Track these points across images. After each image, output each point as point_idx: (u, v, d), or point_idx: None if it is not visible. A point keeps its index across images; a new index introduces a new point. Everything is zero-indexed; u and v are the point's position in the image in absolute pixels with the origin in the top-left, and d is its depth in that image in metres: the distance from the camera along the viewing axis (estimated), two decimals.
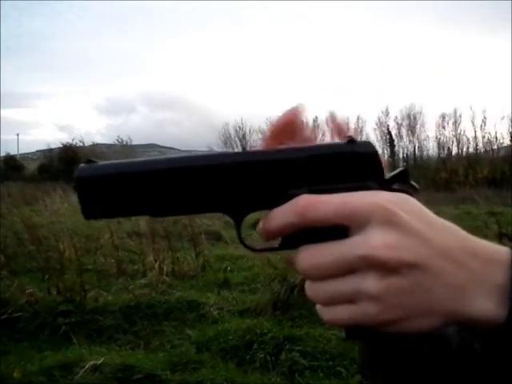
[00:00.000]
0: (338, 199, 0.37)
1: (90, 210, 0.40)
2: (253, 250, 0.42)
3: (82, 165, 0.40)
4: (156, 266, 5.05)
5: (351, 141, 0.40)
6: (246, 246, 0.42)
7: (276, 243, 0.40)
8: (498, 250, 0.37)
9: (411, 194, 0.39)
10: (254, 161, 0.39)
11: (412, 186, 0.41)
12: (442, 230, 0.37)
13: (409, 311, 0.36)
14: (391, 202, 0.36)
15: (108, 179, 0.39)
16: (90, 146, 33.58)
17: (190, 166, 0.39)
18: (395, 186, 0.39)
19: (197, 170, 0.39)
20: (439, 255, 0.36)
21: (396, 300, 0.36)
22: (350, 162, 0.39)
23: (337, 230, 0.36)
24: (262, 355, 3.16)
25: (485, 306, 0.35)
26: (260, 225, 0.40)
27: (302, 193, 0.38)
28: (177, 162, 0.39)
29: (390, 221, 0.35)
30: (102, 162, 0.41)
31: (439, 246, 0.36)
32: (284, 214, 0.38)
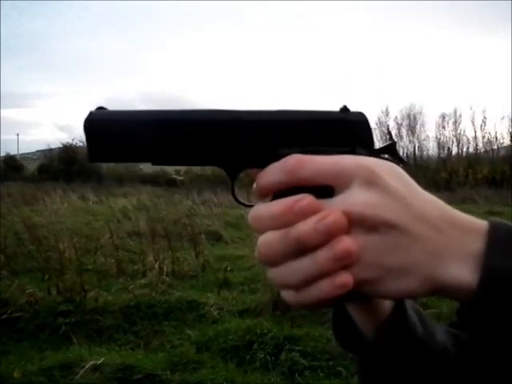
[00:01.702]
0: (326, 160, 0.38)
1: (96, 154, 0.43)
2: (244, 204, 0.44)
3: (92, 110, 0.43)
4: (156, 266, 5.05)
5: (344, 109, 0.42)
6: (238, 201, 0.45)
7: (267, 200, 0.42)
8: (476, 221, 0.38)
9: (398, 165, 0.40)
10: (251, 119, 0.42)
11: (400, 158, 0.42)
12: (423, 198, 0.38)
13: (386, 271, 0.36)
14: (376, 166, 0.37)
15: (115, 125, 0.42)
16: None
17: (191, 119, 0.42)
18: (384, 156, 0.41)
19: (197, 123, 0.42)
20: (419, 220, 0.36)
21: (374, 258, 0.36)
22: (341, 129, 0.41)
23: (324, 190, 0.38)
24: (262, 355, 3.16)
25: (460, 272, 0.36)
26: (255, 183, 0.41)
27: (294, 152, 0.39)
28: (179, 115, 0.42)
29: (372, 181, 0.36)
30: (111, 109, 0.44)
31: (419, 211, 0.37)
32: (274, 172, 0.39)
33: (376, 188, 0.36)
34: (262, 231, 0.38)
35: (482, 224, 0.38)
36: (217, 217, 8.50)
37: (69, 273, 4.52)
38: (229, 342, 3.32)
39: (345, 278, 0.36)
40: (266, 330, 3.40)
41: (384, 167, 0.38)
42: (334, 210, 0.36)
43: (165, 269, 5.06)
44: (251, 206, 0.41)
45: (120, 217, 8.72)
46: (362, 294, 0.38)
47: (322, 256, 0.36)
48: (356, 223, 0.36)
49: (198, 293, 4.50)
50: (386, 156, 0.41)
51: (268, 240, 0.37)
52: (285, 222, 0.37)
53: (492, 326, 0.37)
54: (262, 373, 3.01)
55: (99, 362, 2.92)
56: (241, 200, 0.45)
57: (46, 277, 4.60)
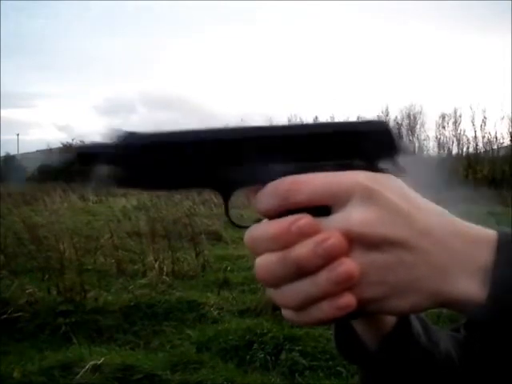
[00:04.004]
0: (320, 179, 0.36)
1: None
2: (239, 226, 0.43)
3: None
4: (156, 265, 5.05)
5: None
6: (232, 222, 0.43)
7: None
8: (484, 231, 0.37)
9: (399, 176, 0.39)
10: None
11: (401, 168, 0.41)
12: (425, 210, 0.36)
13: (391, 289, 0.35)
14: (373, 180, 0.36)
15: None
16: None
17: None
18: (383, 168, 0.40)
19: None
20: (422, 234, 0.35)
21: (378, 277, 0.35)
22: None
23: (321, 210, 0.36)
24: (262, 355, 3.16)
25: (467, 286, 0.35)
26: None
27: (289, 169, 0.38)
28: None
29: (370, 197, 0.35)
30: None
31: (422, 224, 0.35)
32: (267, 197, 0.37)
33: (375, 204, 0.35)
34: (258, 253, 0.37)
35: (489, 234, 0.36)
36: (217, 217, 8.49)
37: (69, 273, 4.51)
38: (229, 342, 3.32)
39: (347, 300, 0.35)
40: (265, 330, 3.40)
41: (382, 181, 0.36)
42: (333, 231, 0.35)
43: (165, 269, 5.06)
44: (246, 227, 0.40)
45: (120, 217, 8.72)
46: (365, 312, 0.37)
47: (323, 279, 0.34)
48: (356, 242, 0.35)
49: (198, 293, 4.50)
50: (387, 167, 0.39)
51: (266, 262, 0.36)
52: (282, 243, 0.35)
53: (501, 339, 0.36)
54: (262, 373, 3.01)
55: (99, 362, 2.92)
56: (235, 221, 0.43)
57: (46, 277, 4.61)
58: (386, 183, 0.36)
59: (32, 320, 3.75)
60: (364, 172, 0.37)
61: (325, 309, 0.35)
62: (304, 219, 0.35)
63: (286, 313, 0.38)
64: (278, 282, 0.36)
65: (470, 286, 0.35)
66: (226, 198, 0.42)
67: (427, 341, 0.47)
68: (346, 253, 0.35)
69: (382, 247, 0.35)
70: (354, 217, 0.35)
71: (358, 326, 0.48)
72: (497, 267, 0.35)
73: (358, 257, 0.35)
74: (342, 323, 0.50)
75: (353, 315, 0.36)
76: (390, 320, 0.47)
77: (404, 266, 0.35)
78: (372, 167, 0.39)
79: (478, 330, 0.37)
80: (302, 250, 0.35)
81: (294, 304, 0.36)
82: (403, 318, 0.47)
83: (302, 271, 0.35)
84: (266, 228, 0.36)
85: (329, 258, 0.34)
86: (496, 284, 0.34)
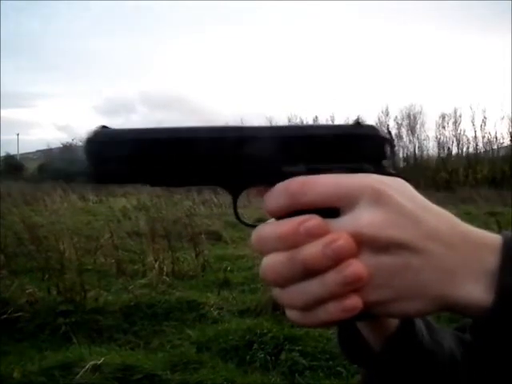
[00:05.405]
0: (330, 181, 0.36)
1: (95, 176, 0.41)
2: (247, 224, 0.43)
3: (93, 129, 0.41)
4: (156, 265, 5.05)
5: (355, 123, 0.40)
6: (240, 220, 0.43)
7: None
8: (489, 235, 0.37)
9: (407, 180, 0.39)
10: (252, 135, 0.40)
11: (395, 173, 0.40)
12: (433, 213, 0.36)
13: (396, 293, 0.35)
14: (382, 183, 0.36)
15: (113, 145, 0.40)
16: None
17: (188, 137, 0.40)
18: (392, 171, 0.40)
19: (194, 141, 0.40)
20: (429, 237, 0.35)
21: (384, 280, 0.35)
22: (348, 144, 0.40)
23: (330, 212, 0.36)
24: (262, 355, 3.16)
25: (473, 290, 0.35)
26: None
27: (299, 170, 0.38)
28: (177, 133, 0.40)
29: (379, 200, 0.35)
30: (112, 128, 0.42)
31: (430, 227, 0.35)
32: (276, 197, 0.37)
33: (383, 206, 0.35)
34: (266, 252, 0.37)
35: (494, 238, 0.37)
36: (217, 217, 8.50)
37: (69, 273, 4.51)
38: (229, 342, 3.32)
39: (354, 302, 0.35)
40: (265, 330, 3.40)
41: (391, 184, 0.36)
42: (342, 232, 0.35)
43: (165, 269, 5.06)
44: (254, 226, 0.39)
45: (120, 217, 8.73)
46: (370, 314, 0.37)
47: (331, 280, 0.34)
48: (365, 244, 0.35)
49: (198, 293, 4.50)
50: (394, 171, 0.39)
51: (273, 262, 0.36)
52: (291, 243, 0.35)
53: (507, 343, 0.35)
54: (262, 373, 3.01)
55: (99, 362, 2.92)
56: (244, 220, 0.43)
57: (46, 277, 4.61)
58: (395, 186, 0.36)
59: (32, 320, 3.75)
60: (373, 175, 0.37)
61: (331, 310, 0.35)
62: (313, 220, 0.35)
63: (290, 313, 0.37)
64: (285, 282, 0.36)
65: (476, 291, 0.35)
66: (235, 197, 0.42)
67: (431, 341, 0.48)
68: (354, 254, 0.35)
69: (390, 250, 0.35)
70: (363, 218, 0.35)
71: (362, 327, 0.48)
72: (502, 272, 0.35)
73: (366, 259, 0.35)
74: (344, 326, 0.50)
75: (357, 318, 0.36)
76: (394, 320, 0.47)
77: (411, 270, 0.35)
78: (381, 170, 0.39)
79: (483, 335, 0.36)
80: (311, 250, 0.34)
81: (299, 304, 0.36)
82: (406, 319, 0.47)
83: (309, 272, 0.35)
84: (275, 228, 0.36)
85: (337, 260, 0.34)
86: (502, 289, 0.34)
